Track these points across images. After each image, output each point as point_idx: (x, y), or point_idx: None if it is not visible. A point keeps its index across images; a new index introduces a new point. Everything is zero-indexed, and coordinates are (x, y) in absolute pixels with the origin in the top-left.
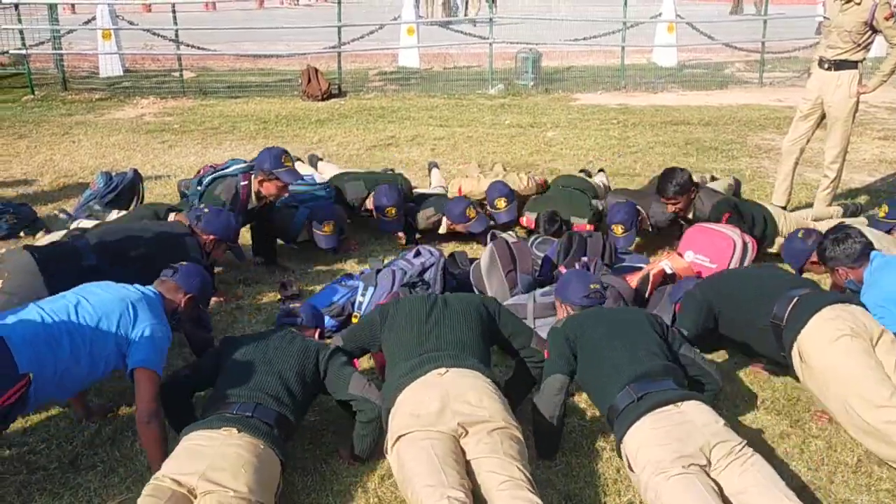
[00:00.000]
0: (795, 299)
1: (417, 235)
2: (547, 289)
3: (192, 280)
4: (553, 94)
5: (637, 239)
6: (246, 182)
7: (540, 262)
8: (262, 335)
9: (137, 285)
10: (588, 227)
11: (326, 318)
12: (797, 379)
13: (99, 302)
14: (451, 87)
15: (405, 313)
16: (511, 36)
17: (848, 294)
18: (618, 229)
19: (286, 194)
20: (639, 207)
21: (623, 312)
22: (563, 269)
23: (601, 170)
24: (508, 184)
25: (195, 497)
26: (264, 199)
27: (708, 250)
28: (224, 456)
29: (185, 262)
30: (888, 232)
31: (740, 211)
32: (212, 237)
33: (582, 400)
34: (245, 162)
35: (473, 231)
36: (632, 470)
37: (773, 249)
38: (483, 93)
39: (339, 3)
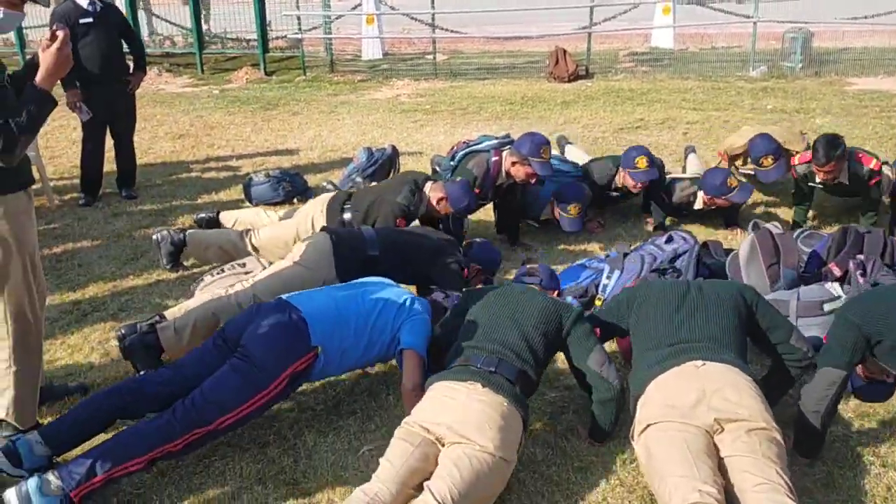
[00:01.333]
0: None
1: (667, 221)
2: (814, 287)
3: None
4: (824, 78)
5: None
6: (497, 158)
7: (806, 257)
8: (505, 290)
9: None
10: (875, 163)
11: (569, 299)
12: None
13: (384, 293)
14: (706, 69)
15: (655, 299)
16: (778, 14)
17: None
18: None
19: (533, 181)
20: None
21: None
22: (833, 267)
23: (885, 162)
24: (773, 133)
25: (443, 445)
26: (512, 178)
27: None
28: (471, 410)
29: (455, 295)
30: None
31: None
32: (477, 267)
33: (848, 409)
34: (496, 138)
35: (736, 201)
36: None
37: None
38: (743, 75)
39: None
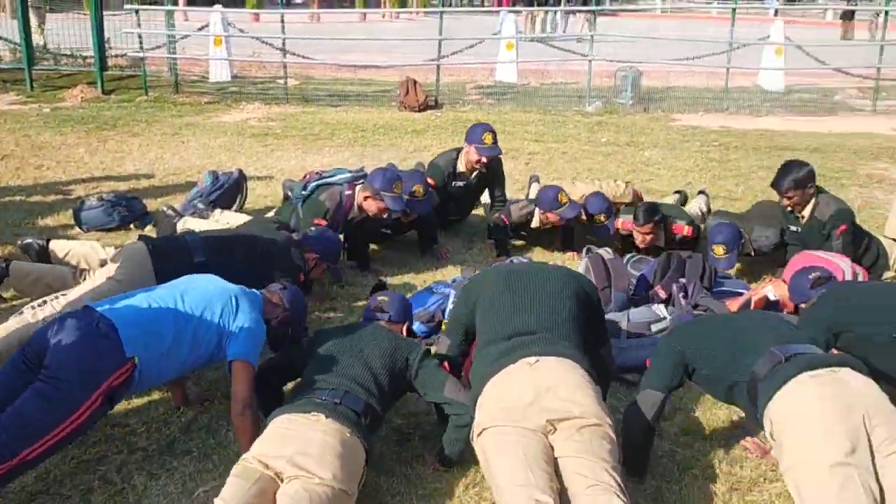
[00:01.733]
0: None
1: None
2: (642, 309)
3: (296, 303)
4: (652, 114)
5: (738, 264)
6: (350, 192)
7: (635, 280)
8: (353, 328)
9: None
10: (687, 230)
11: (416, 324)
12: None
13: (204, 292)
14: (547, 103)
15: (494, 287)
16: (611, 54)
17: None
18: (719, 250)
19: (385, 216)
20: (742, 230)
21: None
22: (659, 290)
23: (702, 191)
24: (604, 190)
25: (282, 481)
26: (365, 213)
27: None
28: (310, 441)
29: (293, 286)
30: None
31: (857, 231)
32: (315, 256)
33: (675, 425)
34: (350, 172)
35: (566, 216)
36: (773, 438)
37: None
38: (580, 110)
39: (441, 16)
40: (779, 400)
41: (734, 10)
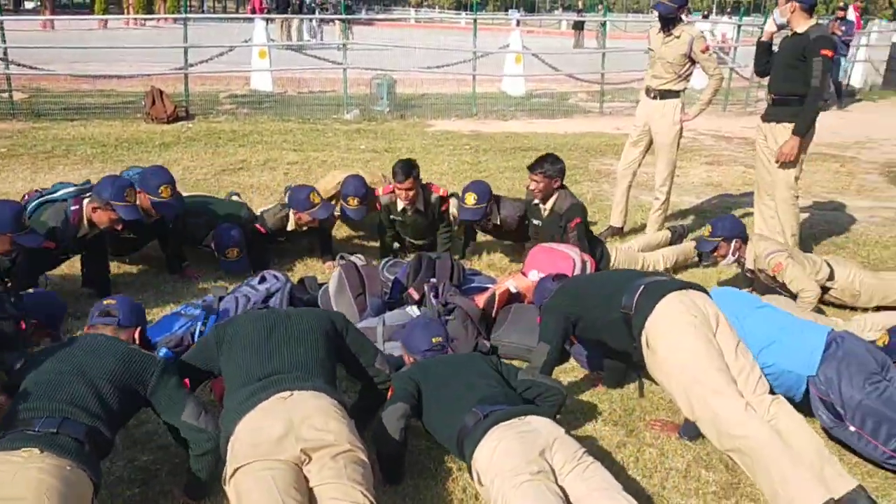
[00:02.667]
0: (641, 287)
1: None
2: (396, 311)
3: None
4: (408, 120)
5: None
6: (77, 207)
7: (390, 284)
8: (72, 342)
9: None
10: (444, 191)
11: (164, 350)
12: (640, 377)
13: None
14: (305, 112)
15: (244, 333)
16: (366, 62)
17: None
18: (470, 199)
19: (119, 228)
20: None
21: (460, 356)
22: (412, 292)
23: (453, 194)
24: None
25: None
26: (97, 227)
27: (550, 269)
28: (23, 482)
29: None
30: (712, 251)
31: (587, 226)
32: (34, 322)
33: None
34: (74, 186)
35: (319, 217)
36: (481, 484)
37: None
38: (338, 118)
39: (185, 24)
40: (479, 451)
41: (475, 20)
